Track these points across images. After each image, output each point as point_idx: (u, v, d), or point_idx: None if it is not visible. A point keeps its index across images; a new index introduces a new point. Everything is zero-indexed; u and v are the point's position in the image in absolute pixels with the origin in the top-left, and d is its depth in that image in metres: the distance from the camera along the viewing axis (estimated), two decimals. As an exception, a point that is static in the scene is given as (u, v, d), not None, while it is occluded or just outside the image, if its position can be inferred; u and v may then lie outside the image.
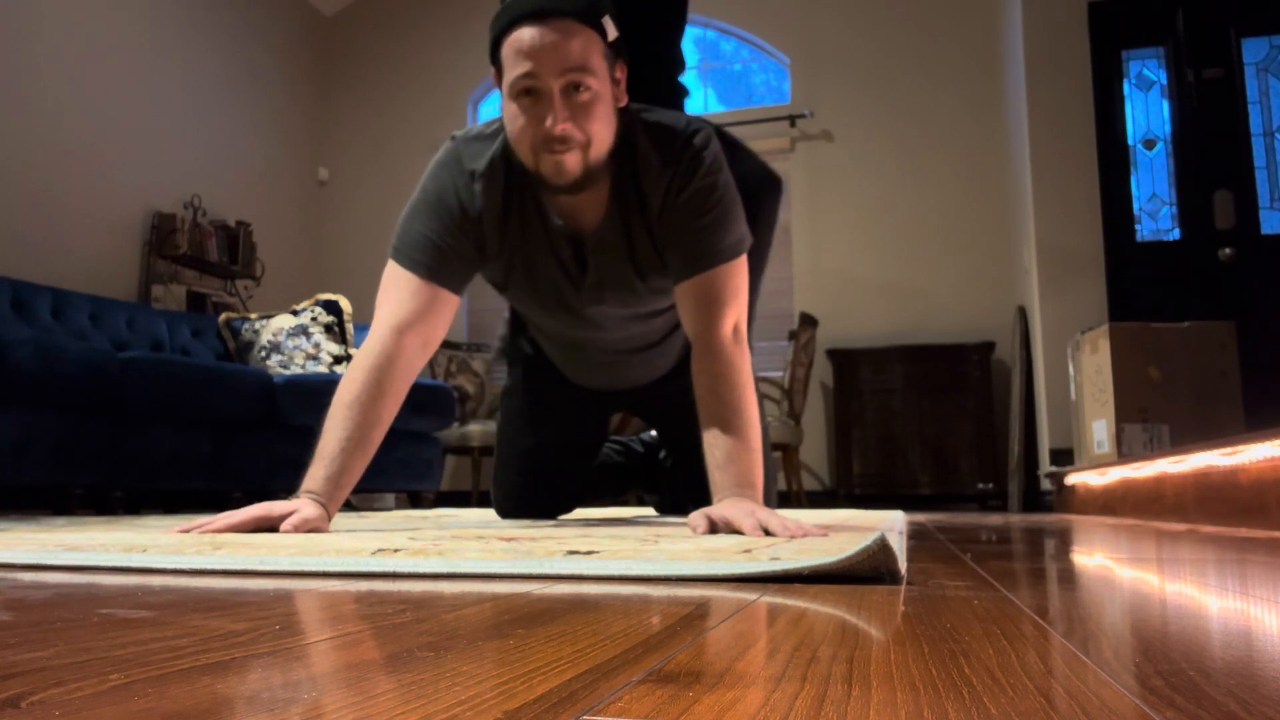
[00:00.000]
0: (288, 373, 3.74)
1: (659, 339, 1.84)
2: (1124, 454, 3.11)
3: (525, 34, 1.35)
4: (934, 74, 5.14)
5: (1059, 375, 4.00)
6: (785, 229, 5.22)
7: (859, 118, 5.23)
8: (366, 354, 1.44)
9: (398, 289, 1.51)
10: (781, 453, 4.38)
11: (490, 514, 2.49)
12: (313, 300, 4.13)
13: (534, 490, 2.05)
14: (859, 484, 4.66)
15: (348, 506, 4.39)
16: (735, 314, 1.51)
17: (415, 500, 4.21)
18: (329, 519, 1.36)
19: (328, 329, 4.02)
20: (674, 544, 1.04)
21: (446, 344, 5.05)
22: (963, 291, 4.95)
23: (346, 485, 1.38)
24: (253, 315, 4.13)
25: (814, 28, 5.36)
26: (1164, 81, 4.17)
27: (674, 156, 1.49)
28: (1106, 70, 4.16)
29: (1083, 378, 3.51)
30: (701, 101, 5.64)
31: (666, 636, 0.49)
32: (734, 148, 1.77)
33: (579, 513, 2.56)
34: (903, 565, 0.84)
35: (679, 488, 2.13)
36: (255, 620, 0.54)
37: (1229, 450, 2.11)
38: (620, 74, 1.45)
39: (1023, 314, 4.54)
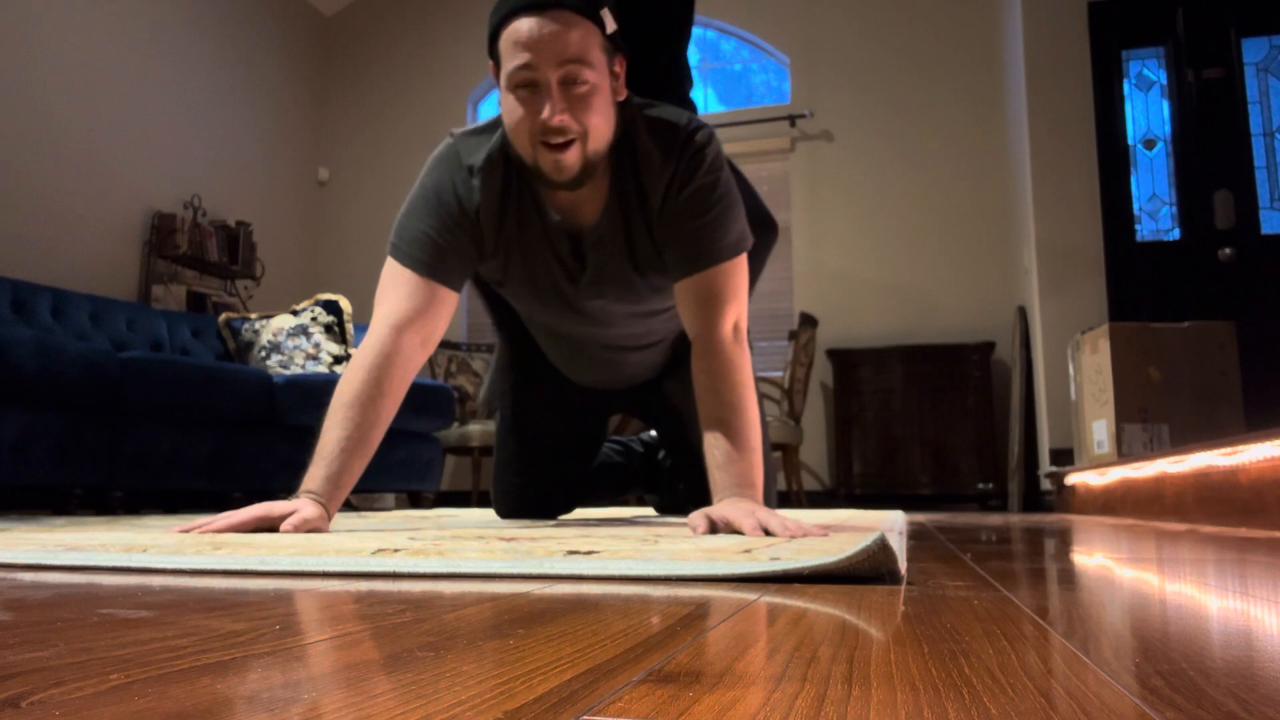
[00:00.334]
0: (288, 373, 3.74)
1: (659, 338, 1.84)
2: (1124, 454, 3.11)
3: (523, 25, 1.35)
4: (934, 74, 5.14)
5: (1059, 375, 4.00)
6: (785, 229, 5.22)
7: (859, 118, 5.23)
8: (365, 353, 1.44)
9: (396, 287, 1.50)
10: (781, 453, 4.38)
11: (490, 514, 2.49)
12: (313, 300, 4.13)
13: (534, 490, 2.05)
14: (859, 484, 4.66)
15: (348, 506, 4.39)
16: (735, 313, 1.50)
17: (415, 500, 4.21)
18: (329, 519, 1.36)
19: (328, 329, 4.02)
20: (674, 544, 1.04)
21: (446, 344, 5.05)
22: (963, 291, 4.95)
23: (346, 485, 1.38)
24: (253, 315, 4.13)
25: (814, 28, 5.36)
26: (1164, 81, 4.17)
27: (675, 153, 1.48)
28: (1106, 70, 4.16)
29: (1083, 378, 3.51)
30: (702, 101, 5.64)
31: (666, 636, 0.49)
32: (739, 179, 1.76)
33: (579, 513, 2.56)
34: (903, 565, 0.84)
35: (679, 488, 2.13)
36: (255, 620, 0.54)
37: (1229, 450, 2.11)
38: (619, 68, 1.45)
39: (1023, 314, 4.54)
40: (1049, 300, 4.11)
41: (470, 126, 1.57)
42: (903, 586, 0.73)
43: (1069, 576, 0.88)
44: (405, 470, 3.85)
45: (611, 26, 1.40)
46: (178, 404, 3.10)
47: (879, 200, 5.15)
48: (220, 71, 5.22)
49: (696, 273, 1.49)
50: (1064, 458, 3.94)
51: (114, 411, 2.97)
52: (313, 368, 3.89)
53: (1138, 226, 4.10)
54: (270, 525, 1.29)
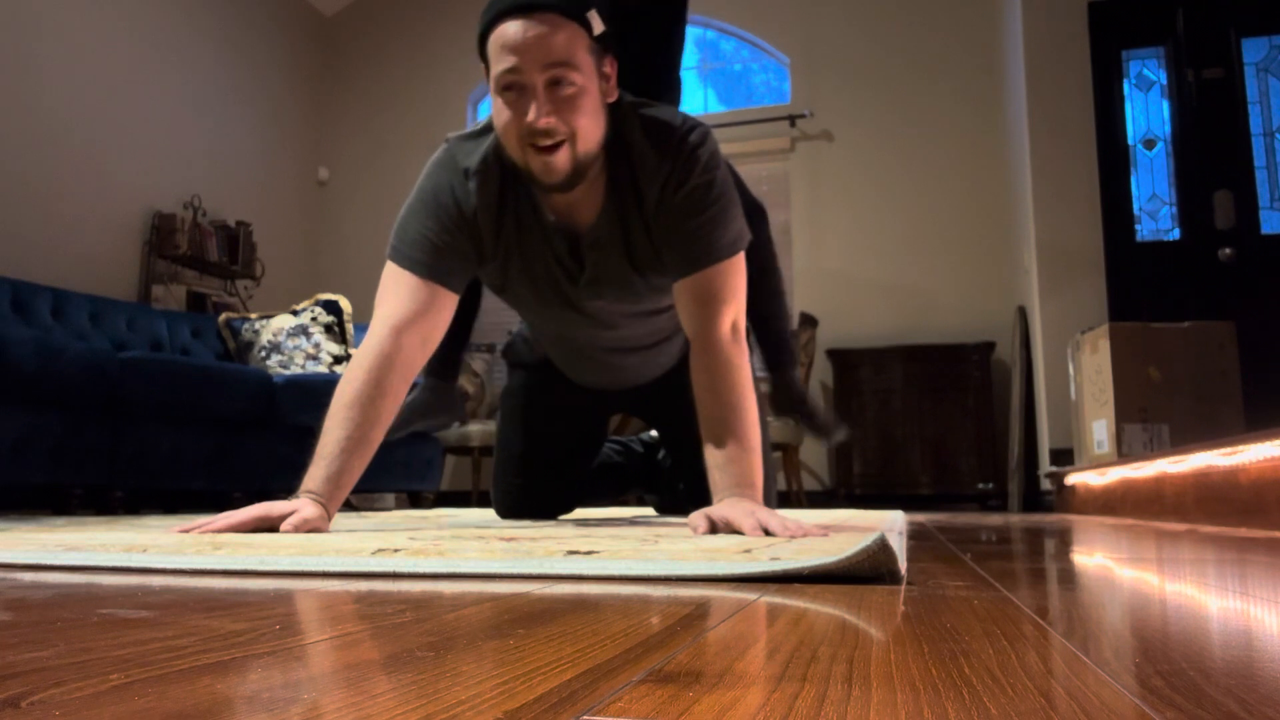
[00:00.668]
0: (288, 373, 3.74)
1: (661, 338, 1.84)
2: (1124, 454, 3.11)
3: (509, 28, 1.35)
4: (934, 74, 5.14)
5: (1059, 375, 4.00)
6: (785, 229, 5.22)
7: (859, 118, 5.23)
8: (365, 354, 1.44)
9: (396, 289, 1.50)
10: (781, 453, 4.38)
11: (490, 514, 2.49)
12: (313, 300, 4.13)
13: (534, 490, 2.05)
14: (859, 484, 4.66)
15: (348, 506, 4.39)
16: (734, 312, 1.50)
17: (415, 500, 4.21)
18: (329, 519, 1.36)
19: (328, 329, 4.02)
20: (674, 544, 1.04)
21: (446, 344, 5.04)
22: (963, 291, 4.96)
23: (346, 485, 1.38)
24: (253, 315, 4.14)
25: (814, 28, 5.36)
26: (1164, 81, 4.17)
27: (670, 153, 1.48)
28: (1106, 70, 4.16)
29: (1083, 378, 3.51)
30: (702, 101, 5.64)
31: (666, 636, 0.49)
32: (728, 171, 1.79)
33: (579, 513, 2.56)
34: (903, 565, 0.84)
35: (679, 488, 2.13)
36: (255, 620, 0.54)
37: (1229, 450, 2.11)
38: (609, 68, 1.44)
39: (1023, 314, 4.54)
40: (1049, 300, 4.11)
41: (466, 130, 1.58)
42: (903, 586, 0.73)
43: (1069, 576, 0.88)
44: (405, 470, 3.85)
45: (599, 27, 1.39)
46: (178, 404, 3.10)
47: (879, 200, 5.15)
48: (220, 71, 5.22)
49: (695, 272, 1.49)
50: (1064, 458, 3.94)
51: (114, 411, 2.97)
52: (313, 368, 3.88)
53: (1138, 226, 4.10)
54: (270, 525, 1.29)
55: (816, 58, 5.33)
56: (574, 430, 2.07)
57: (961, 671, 0.40)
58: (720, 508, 1.28)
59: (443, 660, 0.42)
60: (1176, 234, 4.06)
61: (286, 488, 1.50)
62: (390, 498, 5.14)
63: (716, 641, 0.47)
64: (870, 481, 4.65)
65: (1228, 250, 3.89)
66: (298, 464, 1.44)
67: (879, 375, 4.71)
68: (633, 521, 1.90)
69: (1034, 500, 4.45)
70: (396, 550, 0.95)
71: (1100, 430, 3.30)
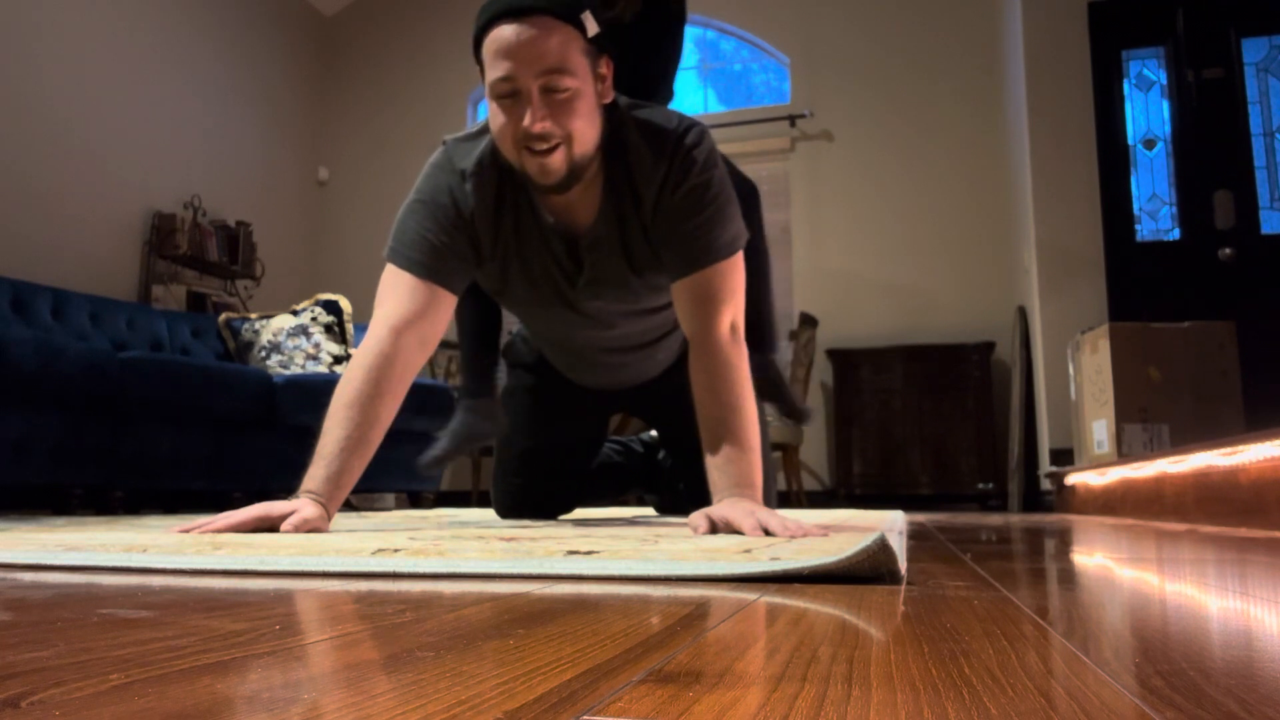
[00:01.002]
0: (288, 373, 3.74)
1: (659, 336, 1.84)
2: (1124, 454, 3.11)
3: (503, 33, 1.35)
4: (934, 74, 5.14)
5: (1059, 375, 4.00)
6: (785, 229, 5.22)
7: (859, 118, 5.23)
8: (365, 354, 1.44)
9: (395, 289, 1.50)
10: (781, 453, 4.38)
11: (490, 514, 2.49)
12: (313, 300, 4.13)
13: (534, 491, 2.05)
14: (859, 484, 4.66)
15: (348, 506, 4.39)
16: (732, 312, 1.50)
17: (415, 500, 4.21)
18: (329, 519, 1.36)
19: (328, 329, 4.02)
20: (674, 544, 1.04)
21: (447, 344, 5.04)
22: (963, 291, 4.96)
23: (346, 485, 1.38)
24: (253, 315, 4.13)
25: (814, 28, 5.36)
26: (1164, 81, 4.17)
27: (667, 154, 1.48)
28: (1106, 70, 4.16)
29: (1083, 378, 3.51)
30: (702, 101, 5.64)
31: (666, 636, 0.49)
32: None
33: (579, 513, 2.56)
34: (903, 565, 0.84)
35: (679, 488, 2.13)
36: (255, 620, 0.54)
37: (1229, 450, 2.11)
38: (605, 69, 1.45)
39: (1023, 314, 4.54)
40: (1049, 300, 4.11)
41: (463, 132, 1.58)
42: (903, 586, 0.73)
43: (1069, 576, 0.88)
44: (405, 470, 3.85)
45: (594, 29, 1.39)
46: (178, 404, 3.10)
47: (879, 200, 5.15)
48: (220, 71, 5.22)
49: (693, 272, 1.49)
50: (1064, 458, 3.94)
51: (114, 411, 2.97)
52: (313, 368, 3.89)
53: (1138, 226, 4.10)
54: (270, 525, 1.29)
55: (816, 58, 5.33)
56: (574, 430, 2.07)
57: (961, 671, 0.40)
58: (720, 508, 1.28)
59: (443, 660, 0.42)
60: (1176, 234, 4.06)
61: (286, 488, 1.50)
62: (390, 498, 5.14)
63: (716, 641, 0.47)
64: (870, 481, 4.65)
65: (1228, 250, 3.89)
66: (298, 464, 1.44)
67: (879, 375, 4.71)
68: (633, 521, 1.90)
69: (1034, 500, 4.45)
70: (396, 550, 0.96)
71: (1100, 430, 3.30)
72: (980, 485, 4.52)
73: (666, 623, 0.54)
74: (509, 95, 1.37)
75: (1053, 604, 0.65)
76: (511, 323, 2.04)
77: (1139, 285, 3.98)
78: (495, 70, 1.36)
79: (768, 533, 1.17)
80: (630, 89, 1.65)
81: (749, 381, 1.47)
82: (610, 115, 1.48)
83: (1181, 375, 3.17)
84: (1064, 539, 1.58)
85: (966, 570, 0.91)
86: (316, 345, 3.94)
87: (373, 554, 0.90)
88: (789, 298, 5.17)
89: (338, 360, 3.94)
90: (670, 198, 1.49)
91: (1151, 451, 2.98)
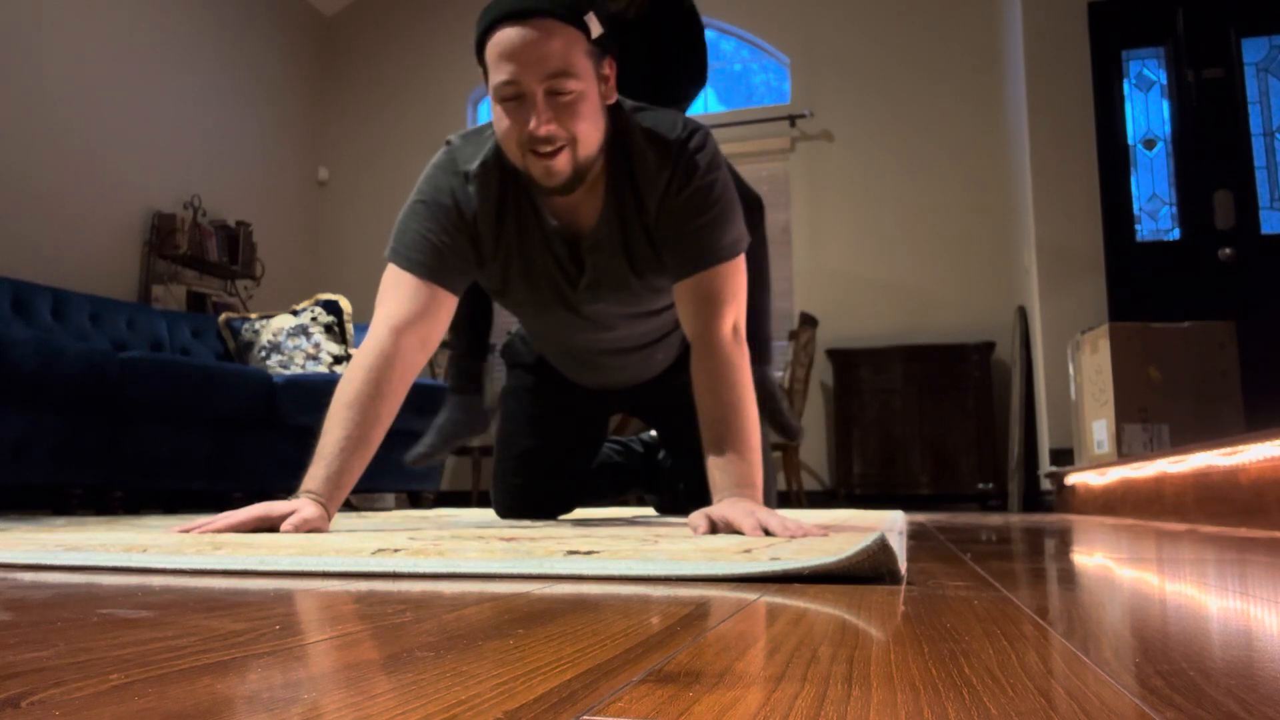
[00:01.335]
0: (288, 373, 3.74)
1: (659, 337, 1.84)
2: (1124, 454, 3.11)
3: (506, 36, 1.35)
4: (934, 74, 5.14)
5: (1059, 375, 4.00)
6: (785, 229, 5.22)
7: (859, 118, 5.23)
8: (365, 354, 1.44)
9: (396, 289, 1.51)
10: (781, 453, 4.38)
11: (490, 514, 2.49)
12: (313, 300, 4.13)
13: (534, 490, 2.05)
14: (859, 484, 4.66)
15: (348, 506, 4.39)
16: (734, 313, 1.50)
17: (415, 500, 4.21)
18: (329, 519, 1.36)
19: (328, 329, 4.02)
20: (674, 544, 1.04)
21: (447, 344, 5.05)
22: (963, 291, 4.95)
23: (346, 485, 1.38)
24: (253, 315, 4.14)
25: (814, 28, 5.36)
26: (1164, 81, 4.17)
27: (672, 157, 1.48)
28: (1106, 70, 4.16)
29: (1083, 378, 3.51)
30: (701, 101, 5.64)
31: (666, 636, 0.49)
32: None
33: (579, 513, 2.56)
34: (903, 565, 0.84)
35: (679, 488, 2.14)
36: (255, 620, 0.54)
37: (1229, 450, 2.11)
38: (609, 70, 1.44)
39: (1023, 314, 4.54)
40: (1049, 300, 4.11)
41: (465, 131, 1.58)
42: (903, 586, 0.73)
43: (1069, 576, 0.88)
44: (405, 470, 3.84)
45: (597, 30, 1.39)
46: (178, 404, 3.10)
47: (879, 200, 5.15)
48: (220, 71, 5.22)
49: (696, 273, 1.49)
50: (1064, 458, 3.94)
51: (114, 412, 2.97)
52: (313, 368, 3.89)
53: (1138, 226, 4.10)
54: (270, 525, 1.29)
55: (816, 58, 5.33)
56: (574, 430, 2.07)
57: (961, 671, 0.40)
58: (720, 508, 1.28)
59: (443, 660, 0.42)
60: (1176, 234, 4.06)
61: (286, 488, 1.50)
62: (390, 498, 5.14)
63: (716, 641, 0.47)
64: (870, 481, 4.65)
65: (1228, 250, 3.89)
66: (298, 464, 1.44)
67: (879, 375, 4.71)
68: (633, 521, 1.90)
69: (1034, 500, 4.45)
70: (396, 550, 0.96)
71: (1100, 430, 3.30)
72: (980, 485, 4.52)
73: (666, 623, 0.54)
74: (513, 98, 1.37)
75: (1053, 604, 0.65)
76: (512, 323, 2.05)
77: (1139, 285, 3.98)
78: (499, 74, 1.36)
79: (768, 533, 1.17)
80: (648, 95, 1.66)
81: (750, 382, 1.47)
82: (614, 117, 1.48)
83: (1181, 375, 3.17)
84: (1064, 539, 1.58)
85: (966, 570, 0.91)
86: (316, 345, 3.94)
87: (373, 554, 0.90)
88: (789, 298, 5.17)
89: (338, 360, 3.94)
90: (674, 200, 1.49)
91: (1151, 451, 2.98)
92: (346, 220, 5.99)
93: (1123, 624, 0.56)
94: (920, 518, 2.85)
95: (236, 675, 0.38)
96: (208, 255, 4.75)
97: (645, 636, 0.48)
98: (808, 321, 4.56)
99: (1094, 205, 4.07)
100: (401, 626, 0.52)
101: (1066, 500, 3.83)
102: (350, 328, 4.09)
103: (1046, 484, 4.21)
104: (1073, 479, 3.69)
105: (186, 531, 1.27)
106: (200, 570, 0.84)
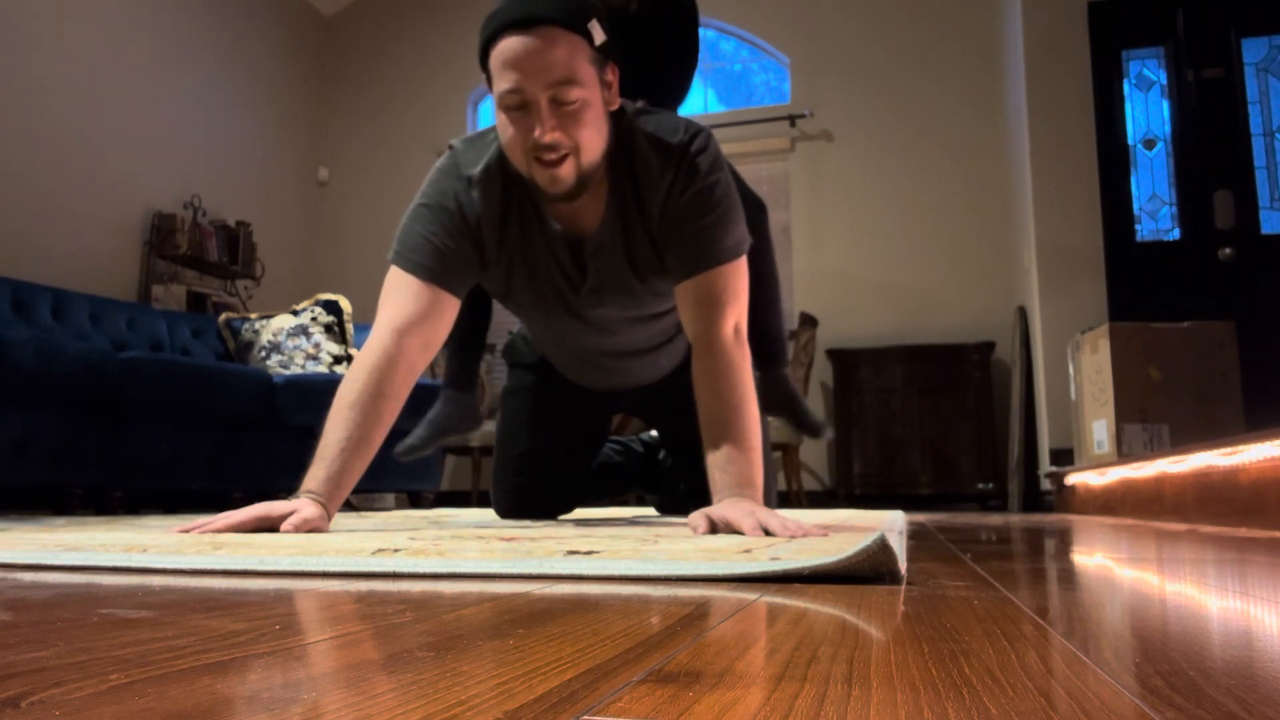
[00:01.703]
0: (288, 373, 3.74)
1: (662, 341, 1.84)
2: (1124, 454, 3.11)
3: (510, 44, 1.35)
4: (934, 74, 5.14)
5: (1059, 375, 4.00)
6: (785, 229, 5.22)
7: (859, 118, 5.23)
8: (367, 355, 1.45)
9: (399, 292, 1.51)
10: (781, 453, 4.38)
11: (490, 514, 2.49)
12: (313, 300, 4.13)
13: (534, 490, 2.05)
14: (859, 484, 4.66)
15: (348, 506, 4.39)
16: (736, 314, 1.51)
17: (415, 500, 4.21)
18: (329, 519, 1.36)
19: (328, 329, 4.02)
20: (674, 544, 1.04)
21: (447, 345, 5.04)
22: (963, 291, 4.96)
23: (347, 485, 1.38)
24: (253, 315, 4.14)
25: (814, 28, 5.36)
26: (1164, 81, 4.17)
27: (674, 160, 1.49)
28: (1106, 70, 4.16)
29: (1083, 378, 3.51)
30: (701, 101, 5.64)
31: (666, 636, 0.49)
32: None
33: (579, 513, 2.56)
34: (903, 565, 0.84)
35: (679, 488, 2.14)
36: (255, 620, 0.54)
37: (1229, 450, 2.11)
38: (611, 76, 1.45)
39: (1023, 314, 4.54)
40: (1049, 300, 4.11)
41: (469, 135, 1.59)
42: (903, 586, 0.73)
43: (1069, 576, 0.88)
44: (405, 470, 3.85)
45: (600, 38, 1.39)
46: (178, 404, 3.10)
47: (879, 200, 5.15)
48: (220, 71, 5.22)
49: (697, 275, 1.49)
50: (1064, 458, 3.94)
51: (114, 412, 2.97)
52: (313, 368, 3.89)
53: (1138, 226, 4.10)
54: (270, 525, 1.29)
55: (816, 58, 5.33)
56: (574, 430, 2.07)
57: (961, 671, 0.40)
58: (720, 508, 1.28)
59: (443, 660, 0.42)
60: (1176, 234, 4.06)
61: (286, 488, 1.50)
62: (390, 498, 5.14)
63: (716, 641, 0.47)
64: (870, 481, 4.65)
65: (1228, 250, 3.89)
66: (298, 464, 1.44)
67: (879, 375, 4.71)
68: (633, 521, 1.90)
69: (1034, 500, 4.45)
70: (396, 550, 0.96)
71: (1100, 430, 3.30)
72: (980, 485, 4.52)
73: (666, 623, 0.54)
74: (518, 106, 1.38)
75: (1053, 604, 0.65)
76: (513, 323, 2.05)
77: (1139, 285, 3.98)
78: (503, 82, 1.36)
79: (768, 533, 1.17)
80: (646, 91, 1.66)
81: (751, 382, 1.47)
82: (617, 122, 1.49)
83: (1181, 375, 3.17)
84: (1064, 539, 1.58)
85: (966, 570, 0.91)
86: (316, 345, 3.94)
87: (373, 554, 0.90)
88: (789, 298, 5.17)
89: (338, 360, 3.94)
90: (676, 202, 1.49)
91: (1151, 451, 2.98)
92: (346, 220, 5.99)
93: (1123, 624, 0.56)
94: (920, 518, 2.85)
95: (236, 675, 0.38)
96: (208, 255, 4.75)
97: (645, 636, 0.48)
98: (808, 321, 4.56)
99: (1094, 205, 4.07)
100: (401, 626, 0.52)
101: (1066, 500, 3.83)
102: (350, 328, 4.09)
103: (1046, 484, 4.21)
104: (1073, 479, 3.69)
105: (186, 531, 1.27)
106: (200, 570, 0.84)
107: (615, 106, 1.47)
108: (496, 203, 1.53)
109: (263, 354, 3.94)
